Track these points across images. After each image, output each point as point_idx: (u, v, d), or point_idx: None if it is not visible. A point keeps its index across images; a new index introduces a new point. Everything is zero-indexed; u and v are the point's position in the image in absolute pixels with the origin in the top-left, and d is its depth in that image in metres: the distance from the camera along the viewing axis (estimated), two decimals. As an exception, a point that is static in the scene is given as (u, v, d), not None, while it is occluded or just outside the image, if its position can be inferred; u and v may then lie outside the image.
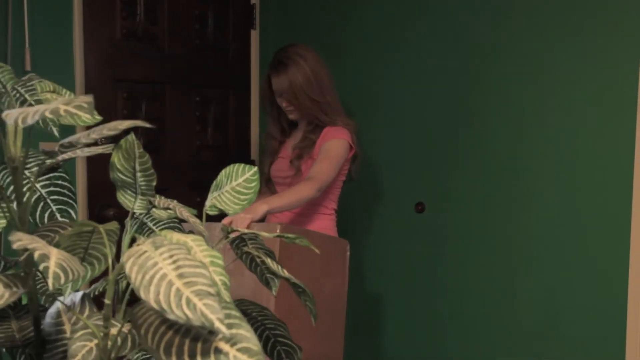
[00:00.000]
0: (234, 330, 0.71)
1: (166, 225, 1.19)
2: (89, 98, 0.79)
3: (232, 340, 0.70)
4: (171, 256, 0.72)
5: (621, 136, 2.39)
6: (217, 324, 0.67)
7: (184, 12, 2.91)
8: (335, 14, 3.10)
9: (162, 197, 1.07)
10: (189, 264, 0.71)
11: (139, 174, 1.06)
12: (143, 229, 1.18)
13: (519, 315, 2.66)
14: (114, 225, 0.88)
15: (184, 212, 1.03)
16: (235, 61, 3.20)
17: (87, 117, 0.78)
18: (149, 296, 0.68)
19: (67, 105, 0.76)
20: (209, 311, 0.68)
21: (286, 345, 1.09)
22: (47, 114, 0.75)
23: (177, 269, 0.71)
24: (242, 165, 1.13)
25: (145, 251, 0.72)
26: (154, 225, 1.18)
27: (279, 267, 1.02)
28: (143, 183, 1.07)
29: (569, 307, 2.56)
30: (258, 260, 1.12)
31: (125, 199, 1.08)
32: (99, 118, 0.85)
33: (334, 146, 2.44)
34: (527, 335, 2.64)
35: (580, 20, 2.46)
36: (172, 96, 2.90)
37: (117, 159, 1.05)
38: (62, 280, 0.72)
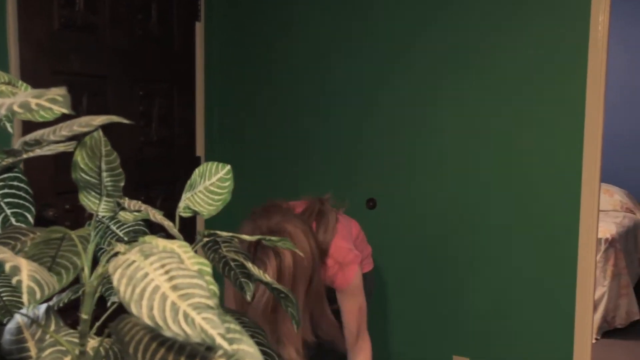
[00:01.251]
0: (235, 346, 0.65)
1: (131, 229, 1.11)
2: (63, 90, 0.71)
3: (233, 357, 0.64)
4: (163, 266, 0.65)
5: (568, 134, 2.44)
6: (219, 340, 0.61)
7: (126, 1, 2.78)
8: (282, 6, 3.03)
9: (132, 200, 0.99)
10: (183, 274, 0.65)
11: (105, 174, 0.98)
12: (106, 233, 1.10)
13: (468, 313, 2.68)
14: (86, 231, 0.81)
15: (157, 215, 0.96)
16: (179, 54, 3.09)
17: (62, 112, 0.70)
18: (141, 311, 0.61)
19: (38, 98, 0.68)
20: (210, 326, 0.61)
21: (265, 353, 1.03)
22: (16, 108, 0.67)
23: (171, 280, 0.64)
24: (216, 163, 1.06)
25: (134, 261, 0.65)
26: (118, 229, 1.10)
27: (261, 272, 0.96)
28: (109, 184, 0.98)
29: (517, 302, 2.59)
30: (232, 264, 1.06)
31: (88, 200, 1.00)
32: (73, 112, 0.77)
33: None
34: (475, 334, 2.66)
35: (524, 19, 2.49)
36: (114, 90, 2.77)
37: (80, 158, 0.96)
38: (38, 296, 0.64)
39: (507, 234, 2.59)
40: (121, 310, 0.94)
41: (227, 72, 3.20)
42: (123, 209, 0.98)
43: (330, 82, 2.92)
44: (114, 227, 1.09)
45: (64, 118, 0.78)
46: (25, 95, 0.69)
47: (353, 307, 1.91)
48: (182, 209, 1.00)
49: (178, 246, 0.75)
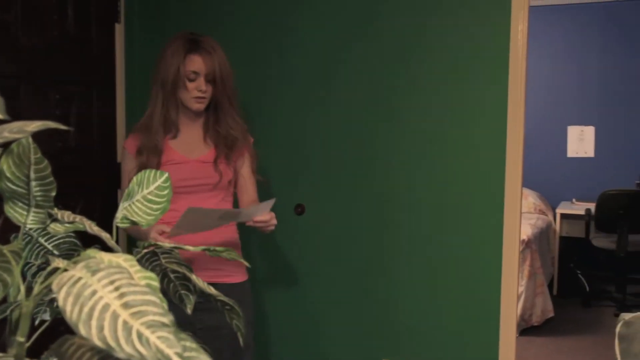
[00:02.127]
0: (192, 365, 0.61)
1: (61, 241, 1.04)
2: (-6, 94, 0.65)
3: (191, 377, 0.61)
4: (112, 282, 0.61)
5: (491, 137, 2.51)
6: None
7: (41, 0, 2.65)
8: (206, 8, 2.97)
9: (64, 210, 0.93)
10: (134, 290, 0.61)
11: (33, 183, 0.91)
12: (33, 247, 1.03)
13: (396, 315, 2.71)
14: (17, 245, 0.74)
15: (93, 226, 0.90)
16: (98, 56, 2.96)
17: (-3, 117, 0.64)
18: (90, 332, 0.57)
19: (-33, 102, 0.62)
20: (165, 345, 0.58)
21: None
22: (-57, 113, 0.61)
23: (121, 297, 0.60)
24: (153, 171, 1.01)
25: (80, 278, 0.60)
26: (47, 242, 1.03)
27: (205, 284, 0.92)
28: (39, 193, 0.92)
29: (444, 303, 2.64)
30: (172, 275, 1.02)
31: (14, 212, 0.93)
32: (8, 117, 0.70)
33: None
34: (404, 336, 2.69)
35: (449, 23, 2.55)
36: (28, 93, 2.62)
37: (6, 166, 0.89)
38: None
39: (433, 236, 2.63)
40: (53, 330, 0.88)
41: (148, 72, 3.10)
42: (55, 220, 0.92)
43: (256, 84, 2.89)
44: (42, 240, 1.02)
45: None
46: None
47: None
48: (119, 220, 0.95)
49: (124, 260, 0.70)
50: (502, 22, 2.46)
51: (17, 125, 0.72)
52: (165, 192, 1.01)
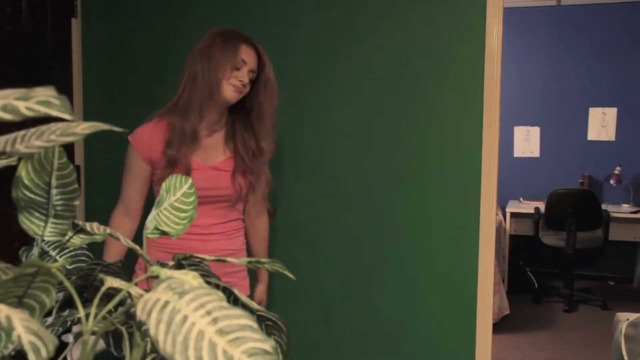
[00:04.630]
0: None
1: (72, 254, 0.95)
2: (52, 90, 0.56)
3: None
4: (202, 305, 0.54)
5: (467, 140, 2.51)
6: (283, 391, 0.51)
7: (-6, -7, 2.49)
8: (165, 2, 2.86)
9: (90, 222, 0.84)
10: (228, 314, 0.54)
11: (54, 191, 0.82)
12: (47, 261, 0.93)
13: (372, 315, 2.68)
14: (64, 263, 0.66)
15: (124, 238, 0.82)
16: (54, 52, 2.81)
17: (64, 117, 0.56)
18: (189, 364, 0.50)
19: (26, 101, 0.54)
20: (271, 375, 0.51)
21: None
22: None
23: (215, 323, 0.53)
24: (179, 176, 0.93)
25: (167, 301, 0.53)
26: (58, 254, 0.94)
27: (246, 297, 0.85)
28: (59, 202, 0.83)
29: (421, 302, 2.63)
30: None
31: (31, 223, 0.83)
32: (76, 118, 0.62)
33: None
34: (381, 336, 2.67)
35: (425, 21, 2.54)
36: (-19, 91, 2.45)
37: (25, 173, 0.80)
38: (44, 354, 0.50)
39: (411, 237, 2.62)
40: None
41: (107, 71, 2.96)
42: (81, 231, 0.83)
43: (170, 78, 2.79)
44: (53, 254, 0.93)
45: None
46: (4, 95, 0.55)
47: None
48: (150, 230, 0.87)
49: (192, 277, 0.63)
50: (478, 24, 2.47)
51: (61, 126, 0.64)
52: (191, 199, 0.94)
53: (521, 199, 6.22)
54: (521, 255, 5.93)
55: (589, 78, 6.12)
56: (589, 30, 6.11)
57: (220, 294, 0.62)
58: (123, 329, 0.83)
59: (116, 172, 3.00)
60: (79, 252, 0.95)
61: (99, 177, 2.95)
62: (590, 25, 6.10)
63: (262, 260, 0.83)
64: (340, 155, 2.68)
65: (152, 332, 0.50)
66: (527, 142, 6.33)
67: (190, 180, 0.95)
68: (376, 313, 2.68)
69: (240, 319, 0.54)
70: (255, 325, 0.54)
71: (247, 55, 1.96)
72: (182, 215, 0.92)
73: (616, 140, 6.10)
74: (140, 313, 0.51)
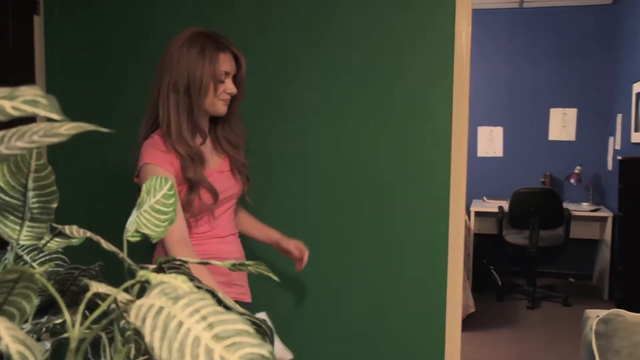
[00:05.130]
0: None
1: (45, 259, 0.93)
2: (38, 90, 0.54)
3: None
4: (197, 310, 0.52)
5: (436, 141, 2.53)
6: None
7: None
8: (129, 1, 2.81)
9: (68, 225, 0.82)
10: (223, 318, 0.53)
11: (31, 194, 0.79)
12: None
13: (342, 317, 2.68)
14: (46, 268, 0.63)
15: (105, 242, 0.80)
16: (16, 51, 2.74)
17: (52, 117, 0.54)
18: (186, 372, 0.48)
19: (12, 100, 0.52)
20: (270, 381, 0.50)
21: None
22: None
23: (211, 328, 0.52)
24: (160, 178, 0.91)
25: (161, 307, 0.52)
26: (32, 259, 0.91)
27: (232, 301, 0.84)
28: (36, 205, 0.80)
29: (392, 303, 2.64)
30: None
31: (5, 226, 0.81)
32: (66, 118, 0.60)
33: None
34: (351, 337, 2.67)
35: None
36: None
37: (0, 175, 0.77)
38: (33, 362, 0.48)
39: (378, 237, 2.62)
40: None
41: (71, 69, 2.90)
42: (60, 234, 0.81)
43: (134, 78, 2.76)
44: (28, 258, 0.90)
45: None
46: (-13, 95, 0.52)
47: None
48: (131, 233, 0.85)
49: (182, 281, 0.62)
50: (447, 25, 2.49)
51: (44, 127, 0.61)
52: (172, 200, 0.92)
53: (485, 198, 6.31)
54: (485, 254, 6.02)
55: (550, 79, 6.24)
56: (550, 33, 6.23)
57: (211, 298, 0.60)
58: (103, 334, 0.81)
59: (79, 170, 2.94)
60: (54, 256, 0.93)
61: (60, 178, 2.89)
62: (551, 27, 6.22)
63: (247, 262, 0.82)
64: (308, 156, 2.67)
65: (147, 339, 0.48)
66: (491, 142, 6.42)
67: (170, 182, 0.93)
68: (346, 313, 2.68)
69: (236, 323, 0.53)
70: (251, 330, 0.53)
71: (227, 64, 1.89)
72: (163, 217, 0.90)
73: (576, 140, 6.23)
74: (134, 319, 0.50)
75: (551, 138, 6.30)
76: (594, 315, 1.53)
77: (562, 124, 6.27)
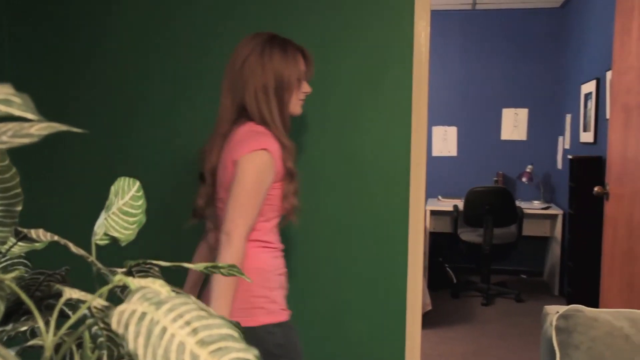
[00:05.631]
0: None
1: (7, 263, 0.89)
2: (10, 88, 0.52)
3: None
4: (180, 315, 0.51)
5: (397, 139, 2.55)
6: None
7: None
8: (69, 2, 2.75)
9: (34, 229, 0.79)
10: (207, 323, 0.51)
11: (-6, 196, 0.76)
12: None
13: (301, 319, 2.68)
14: (17, 274, 0.61)
15: (72, 246, 0.77)
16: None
17: (27, 117, 0.52)
18: (172, 379, 0.47)
19: (-16, 99, 0.49)
20: (255, 387, 0.49)
21: None
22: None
23: (195, 334, 0.50)
24: (127, 179, 0.89)
25: (144, 313, 0.50)
26: (-5, 263, 0.88)
27: (204, 306, 0.82)
28: (0, 208, 0.77)
29: (351, 303, 2.64)
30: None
31: (-34, 230, 0.77)
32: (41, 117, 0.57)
33: None
34: (312, 339, 2.67)
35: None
36: None
37: (-39, 176, 0.74)
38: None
39: (338, 237, 2.63)
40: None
41: (32, 69, 2.81)
42: (24, 238, 0.78)
43: (96, 79, 2.71)
44: (-11, 263, 0.86)
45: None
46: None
47: None
48: (99, 236, 0.82)
49: (160, 285, 0.60)
50: (406, 26, 2.50)
51: (14, 126, 0.59)
52: (140, 202, 0.90)
53: (440, 197, 6.39)
54: (440, 252, 6.10)
55: (502, 80, 6.37)
56: (502, 34, 6.35)
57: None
58: (69, 340, 0.79)
59: (40, 174, 2.85)
60: (16, 260, 0.90)
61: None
62: (503, 29, 6.35)
63: (220, 265, 0.81)
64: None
65: (130, 345, 0.47)
66: (445, 141, 6.51)
67: (138, 183, 0.91)
68: (306, 313, 2.67)
69: (221, 328, 0.52)
70: (236, 334, 0.52)
71: (303, 64, 1.91)
72: (131, 219, 0.88)
73: (527, 140, 6.37)
74: (116, 326, 0.48)
75: (503, 138, 6.43)
76: (554, 312, 1.56)
77: (514, 124, 6.40)
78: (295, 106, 1.89)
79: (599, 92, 4.59)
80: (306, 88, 1.91)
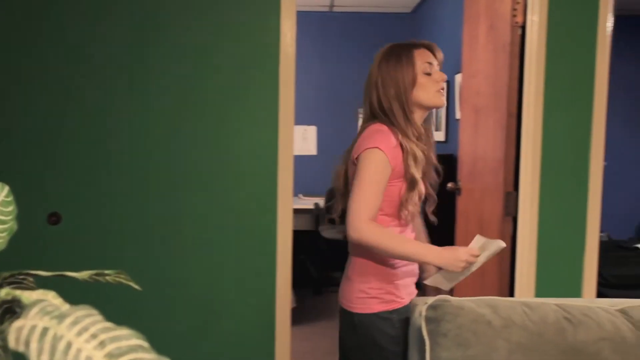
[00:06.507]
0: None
1: None
2: None
3: None
4: (85, 329, 0.48)
5: (265, 141, 2.55)
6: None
7: None
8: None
9: None
10: (114, 335, 0.49)
11: None
12: None
13: (174, 316, 2.61)
14: None
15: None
16: None
17: None
18: (82, 397, 0.44)
19: None
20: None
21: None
22: None
23: (102, 347, 0.47)
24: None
25: (46, 327, 0.46)
26: None
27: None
28: None
29: (218, 304, 2.62)
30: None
31: None
32: None
33: None
34: (183, 340, 2.61)
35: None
36: None
37: None
38: None
39: (206, 237, 2.59)
40: None
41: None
42: None
43: (14, 86, 2.51)
44: None
45: None
46: None
47: None
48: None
49: (52, 297, 0.56)
50: (272, 27, 2.52)
51: None
52: (10, 208, 0.83)
53: (301, 195, 6.48)
54: (302, 250, 6.19)
55: (360, 81, 6.56)
56: (358, 37, 6.57)
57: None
58: None
59: None
60: None
61: None
62: (358, 32, 6.56)
63: (106, 272, 0.77)
64: (135, 154, 2.55)
65: (34, 364, 0.43)
66: (305, 140, 6.62)
67: (7, 188, 0.84)
68: (175, 314, 2.61)
69: (129, 339, 0.49)
70: (146, 344, 0.50)
71: (424, 55, 1.94)
72: (1, 227, 0.81)
73: (383, 139, 6.65)
74: (14, 344, 0.44)
75: (360, 137, 6.66)
76: (422, 302, 1.64)
77: (370, 124, 6.65)
78: (434, 99, 1.93)
79: (449, 94, 4.89)
80: (437, 77, 1.94)
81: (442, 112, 5.05)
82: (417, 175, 1.88)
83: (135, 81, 2.53)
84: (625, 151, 5.89)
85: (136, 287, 0.79)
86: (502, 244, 1.80)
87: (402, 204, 1.89)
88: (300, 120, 6.57)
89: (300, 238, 6.35)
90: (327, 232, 5.78)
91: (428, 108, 1.97)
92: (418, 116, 1.96)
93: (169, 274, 2.60)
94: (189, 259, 2.60)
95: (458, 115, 4.30)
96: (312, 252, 6.27)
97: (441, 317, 1.54)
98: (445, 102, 2.01)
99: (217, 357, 2.63)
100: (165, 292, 2.60)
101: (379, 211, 1.86)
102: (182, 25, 2.52)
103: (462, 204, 3.51)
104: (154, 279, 2.60)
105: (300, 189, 6.58)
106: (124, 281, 0.78)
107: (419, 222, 2.16)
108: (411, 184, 1.88)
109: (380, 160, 1.83)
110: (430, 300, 1.61)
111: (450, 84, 4.85)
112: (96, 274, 0.77)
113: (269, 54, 2.52)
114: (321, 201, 5.88)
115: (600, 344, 1.53)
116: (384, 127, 1.89)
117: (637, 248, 5.04)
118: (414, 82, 1.91)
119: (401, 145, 1.87)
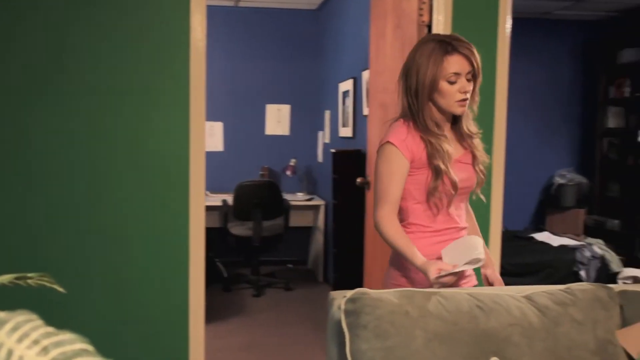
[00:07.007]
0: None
1: None
2: None
3: None
4: (26, 335, 0.45)
5: (176, 135, 2.50)
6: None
7: None
8: None
9: None
10: (57, 340, 0.46)
11: None
12: None
13: (85, 317, 2.51)
14: None
15: None
16: None
17: None
18: (27, 407, 0.42)
19: None
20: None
21: None
22: None
23: (45, 353, 0.45)
24: None
25: (-17, 336, 0.43)
26: None
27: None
28: None
29: (130, 306, 2.55)
30: None
31: None
32: None
33: None
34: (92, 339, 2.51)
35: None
36: None
37: None
38: None
39: (117, 238, 2.51)
40: None
41: None
42: None
43: None
44: None
45: None
46: None
47: None
48: None
49: (-18, 304, 0.52)
50: (182, 20, 2.47)
51: None
52: None
53: (209, 192, 6.40)
54: (210, 247, 6.11)
55: (266, 77, 6.57)
56: (264, 33, 6.55)
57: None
58: None
59: None
60: None
61: None
62: (265, 28, 6.55)
63: (29, 274, 0.73)
64: (51, 154, 2.44)
65: (-26, 375, 0.40)
66: (212, 137, 6.53)
67: None
68: (86, 314, 2.51)
69: (74, 343, 0.47)
70: (91, 348, 0.48)
71: (455, 65, 1.95)
72: None
73: (290, 135, 6.67)
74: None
75: (268, 132, 6.64)
76: (341, 296, 1.67)
77: (277, 119, 6.65)
78: (452, 107, 1.99)
79: (356, 90, 4.98)
80: (459, 88, 1.96)
81: (350, 109, 5.13)
82: (442, 165, 1.97)
83: (51, 82, 2.42)
84: (519, 143, 6.21)
85: (61, 289, 0.76)
86: (474, 240, 1.94)
87: (429, 192, 2.00)
88: (206, 116, 6.49)
89: (208, 235, 6.26)
90: (236, 229, 5.74)
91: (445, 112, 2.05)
92: (439, 114, 2.04)
93: (72, 273, 2.50)
94: (104, 257, 2.51)
95: (366, 111, 4.38)
96: (221, 249, 6.21)
97: (360, 309, 1.57)
98: (464, 112, 2.04)
99: (131, 357, 2.55)
100: (73, 289, 2.50)
101: (412, 200, 2.00)
102: (89, 19, 2.43)
103: (371, 198, 3.58)
104: (63, 277, 2.49)
105: (207, 185, 6.49)
106: (47, 284, 0.75)
107: (466, 207, 2.21)
108: (436, 173, 1.97)
109: (390, 153, 1.98)
110: (349, 293, 1.63)
111: (357, 81, 4.94)
112: (18, 277, 0.73)
113: (179, 49, 2.48)
114: (229, 198, 5.82)
115: (509, 329, 1.61)
116: (399, 122, 2.03)
117: (532, 238, 5.34)
118: (434, 86, 1.97)
119: (421, 137, 1.99)
